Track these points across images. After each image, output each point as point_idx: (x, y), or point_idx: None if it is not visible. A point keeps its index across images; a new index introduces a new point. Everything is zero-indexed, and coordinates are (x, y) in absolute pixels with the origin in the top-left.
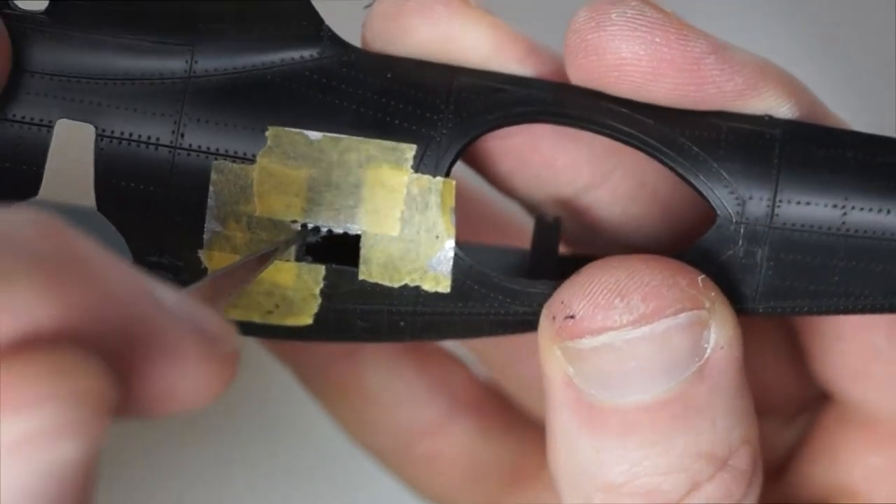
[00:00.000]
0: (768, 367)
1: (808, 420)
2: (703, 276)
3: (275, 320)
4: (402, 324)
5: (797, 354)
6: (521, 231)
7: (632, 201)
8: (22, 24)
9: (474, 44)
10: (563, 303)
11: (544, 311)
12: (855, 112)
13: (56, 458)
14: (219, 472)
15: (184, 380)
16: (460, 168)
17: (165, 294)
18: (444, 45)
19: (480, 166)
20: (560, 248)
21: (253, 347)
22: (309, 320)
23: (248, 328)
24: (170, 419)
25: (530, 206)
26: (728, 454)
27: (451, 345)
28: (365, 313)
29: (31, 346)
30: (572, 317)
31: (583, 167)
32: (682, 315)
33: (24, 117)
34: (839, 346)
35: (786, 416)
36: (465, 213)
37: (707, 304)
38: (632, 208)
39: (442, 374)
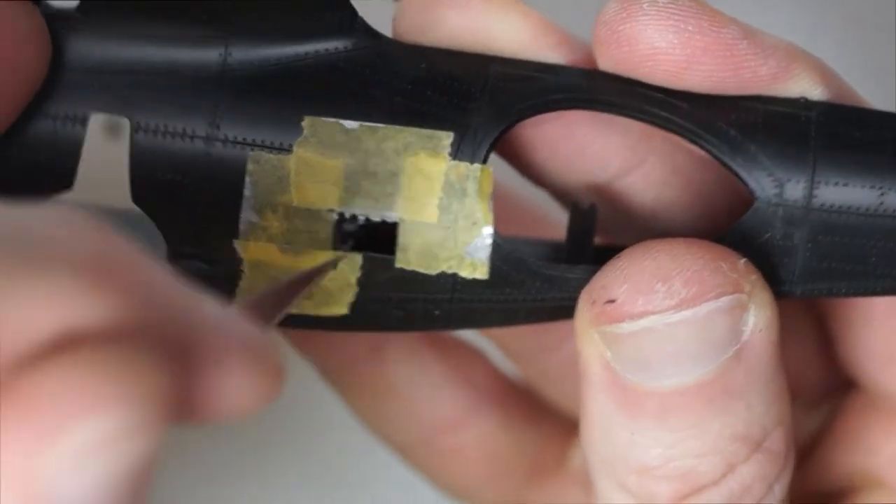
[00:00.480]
0: (795, 351)
1: (834, 406)
2: (745, 259)
3: (310, 310)
4: (437, 312)
5: (824, 340)
6: (555, 228)
7: (665, 187)
8: (55, 19)
9: (507, 33)
10: (603, 287)
11: (583, 296)
12: (877, 100)
13: (125, 460)
14: (226, 473)
15: (226, 389)
16: (493, 163)
17: (208, 303)
18: (476, 34)
19: (513, 155)
20: (596, 237)
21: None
22: (344, 310)
23: (283, 319)
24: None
25: (563, 196)
26: (763, 436)
27: (473, 337)
28: (401, 302)
29: (80, 343)
30: (613, 301)
31: (616, 153)
32: (724, 299)
33: (58, 112)
34: (868, 333)
35: (811, 401)
36: (499, 210)
37: (747, 288)
38: (665, 194)
39: (464, 368)
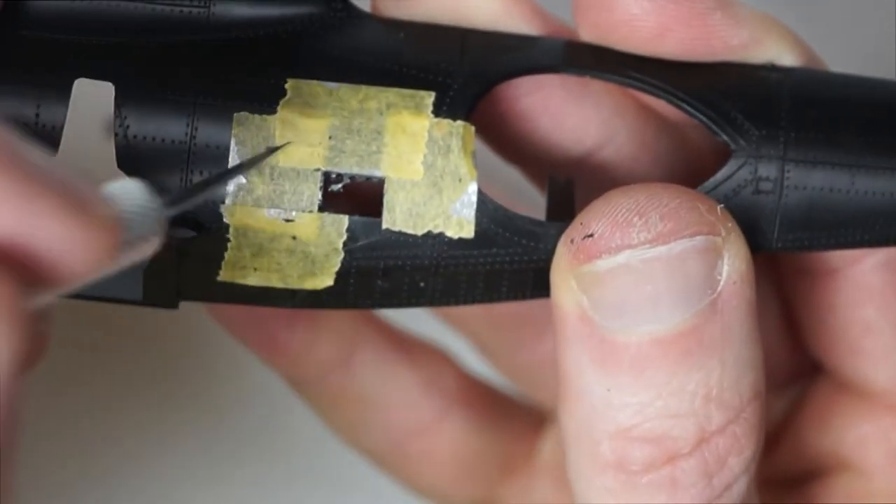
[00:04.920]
0: (764, 336)
1: (800, 390)
2: (722, 205)
3: (295, 284)
4: (422, 284)
5: (790, 325)
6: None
7: (636, 162)
8: None
9: (481, 7)
10: (581, 224)
11: (562, 238)
12: None
13: None
14: (212, 475)
15: (62, 242)
16: None
17: (33, 153)
18: (453, 9)
19: (491, 131)
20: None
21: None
22: (330, 281)
23: (268, 296)
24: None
25: (539, 173)
26: (740, 405)
27: (443, 339)
28: (387, 270)
29: None
30: (591, 236)
31: (591, 127)
32: (699, 238)
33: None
34: (831, 320)
35: (779, 386)
36: None
37: (723, 233)
38: (636, 168)
39: (433, 372)
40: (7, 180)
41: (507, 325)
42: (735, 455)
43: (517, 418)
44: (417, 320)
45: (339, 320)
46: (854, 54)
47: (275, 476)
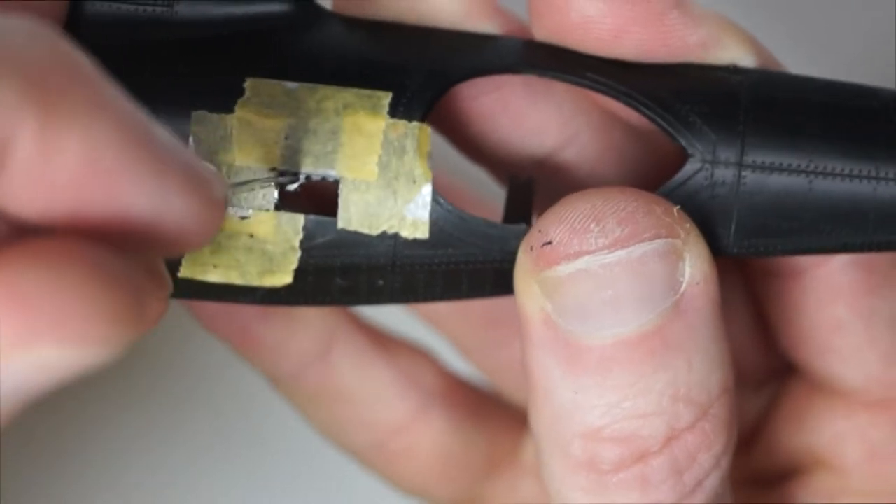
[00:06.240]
0: (735, 337)
1: (776, 389)
2: (679, 207)
3: (255, 281)
4: (380, 283)
5: (763, 325)
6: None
7: (599, 162)
8: None
9: (443, 5)
10: (540, 231)
11: (522, 245)
12: None
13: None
14: (205, 473)
15: (178, 214)
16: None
17: (162, 132)
18: (414, 8)
19: (451, 129)
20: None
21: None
22: (288, 278)
23: (230, 293)
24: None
25: (501, 172)
26: (708, 402)
27: (421, 337)
28: (344, 268)
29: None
30: (549, 243)
31: (552, 127)
32: (658, 241)
33: None
34: (800, 320)
35: (753, 385)
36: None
37: (682, 235)
38: (599, 169)
39: (412, 369)
40: (141, 158)
41: (484, 325)
42: (705, 451)
43: (499, 416)
44: (398, 318)
45: (315, 315)
46: (844, 58)
47: (270, 475)
